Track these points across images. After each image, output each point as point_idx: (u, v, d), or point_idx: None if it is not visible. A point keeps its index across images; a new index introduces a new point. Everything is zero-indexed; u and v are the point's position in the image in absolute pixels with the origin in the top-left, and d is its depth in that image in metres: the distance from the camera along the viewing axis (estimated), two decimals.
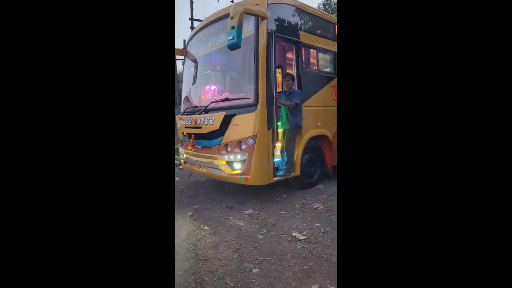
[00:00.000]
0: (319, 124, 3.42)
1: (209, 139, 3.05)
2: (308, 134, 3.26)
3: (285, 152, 3.12)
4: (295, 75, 3.23)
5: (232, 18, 2.39)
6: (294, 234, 2.30)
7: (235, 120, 2.83)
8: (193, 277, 1.76)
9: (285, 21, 3.12)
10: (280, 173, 3.09)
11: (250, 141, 2.73)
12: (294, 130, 3.11)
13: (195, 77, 3.65)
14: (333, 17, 3.85)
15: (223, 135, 2.89)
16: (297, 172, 3.15)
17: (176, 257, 2.00)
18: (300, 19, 3.29)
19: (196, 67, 3.69)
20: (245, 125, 2.78)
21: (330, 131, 3.54)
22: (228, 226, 2.51)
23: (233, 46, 2.42)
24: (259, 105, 2.73)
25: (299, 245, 2.13)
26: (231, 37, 2.38)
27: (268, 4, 2.82)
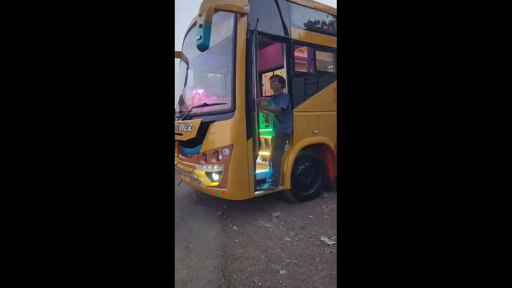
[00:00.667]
0: (316, 131, 2.98)
1: (189, 147, 2.90)
2: (301, 143, 2.88)
3: (271, 163, 2.82)
4: (285, 76, 2.90)
5: (200, 15, 2.16)
6: (322, 238, 2.26)
7: (213, 127, 2.61)
8: (222, 274, 1.85)
9: (272, 16, 2.71)
10: (265, 186, 2.78)
11: (226, 151, 2.49)
12: (281, 138, 2.82)
13: (185, 80, 3.45)
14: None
15: (201, 143, 2.69)
16: (287, 185, 2.80)
17: (206, 254, 2.11)
18: (291, 13, 2.84)
19: (186, 70, 3.50)
20: (221, 133, 2.55)
21: (332, 139, 3.08)
22: (256, 227, 2.58)
23: (201, 47, 2.18)
24: (236, 111, 2.45)
25: (328, 250, 2.09)
26: (198, 37, 2.15)
27: None
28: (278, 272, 1.85)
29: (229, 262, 2.00)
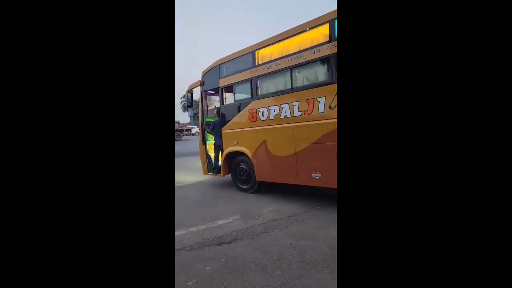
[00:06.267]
0: (235, 142, 4.39)
1: None
2: (227, 149, 4.53)
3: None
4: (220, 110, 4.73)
5: (186, 94, 5.17)
6: None
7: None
8: None
9: (212, 78, 4.59)
10: (212, 172, 5.02)
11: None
12: (214, 146, 4.97)
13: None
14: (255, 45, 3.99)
15: None
16: (222, 175, 4.76)
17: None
18: (220, 70, 4.46)
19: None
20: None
21: (249, 148, 4.18)
22: None
23: (187, 107, 5.63)
24: (199, 134, 5.21)
25: None
26: (185, 102, 6.36)
27: (203, 75, 4.76)
28: None
29: None
